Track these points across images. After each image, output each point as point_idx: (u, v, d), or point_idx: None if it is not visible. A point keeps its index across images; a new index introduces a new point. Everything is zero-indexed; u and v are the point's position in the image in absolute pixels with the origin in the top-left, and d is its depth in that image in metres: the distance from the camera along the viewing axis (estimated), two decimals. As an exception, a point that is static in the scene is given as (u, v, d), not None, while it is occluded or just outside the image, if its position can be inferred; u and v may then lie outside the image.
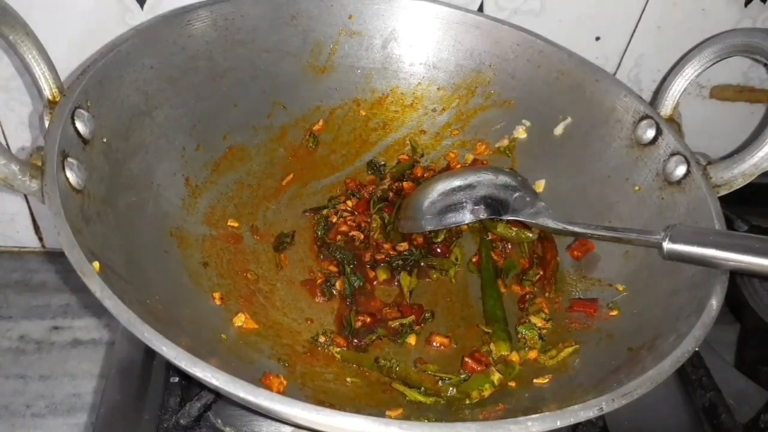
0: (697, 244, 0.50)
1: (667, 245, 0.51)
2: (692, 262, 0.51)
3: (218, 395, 0.54)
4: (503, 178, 0.63)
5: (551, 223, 0.60)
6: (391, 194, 0.69)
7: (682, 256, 0.51)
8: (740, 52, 0.61)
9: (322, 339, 0.56)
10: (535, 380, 0.52)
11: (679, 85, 0.64)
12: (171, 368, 0.57)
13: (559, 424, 0.38)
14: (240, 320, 0.54)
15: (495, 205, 0.62)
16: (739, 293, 0.75)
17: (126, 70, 0.55)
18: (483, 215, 0.62)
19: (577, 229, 0.59)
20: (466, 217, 0.62)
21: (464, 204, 0.62)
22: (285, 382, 0.48)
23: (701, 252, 0.50)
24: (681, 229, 0.52)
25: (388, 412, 0.48)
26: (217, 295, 0.55)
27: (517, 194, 0.62)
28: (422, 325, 0.59)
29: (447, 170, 0.71)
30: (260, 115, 0.68)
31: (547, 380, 0.51)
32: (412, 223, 0.64)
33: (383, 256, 0.64)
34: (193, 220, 0.60)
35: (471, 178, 0.63)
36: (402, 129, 0.74)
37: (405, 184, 0.70)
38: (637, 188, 0.62)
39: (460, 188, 0.63)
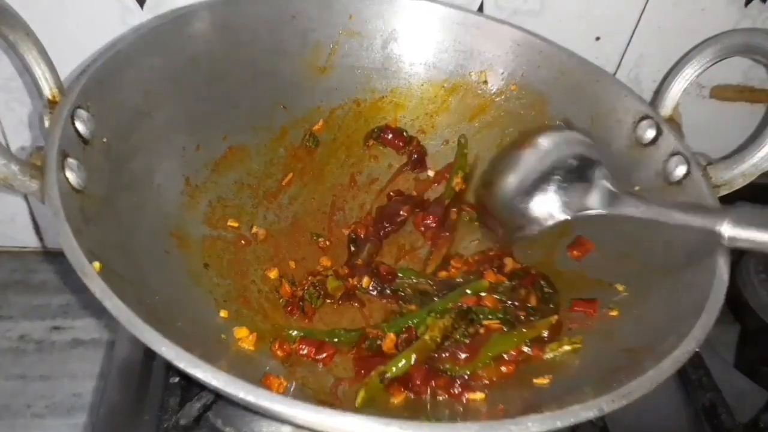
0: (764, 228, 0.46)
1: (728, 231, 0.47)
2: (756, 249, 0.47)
3: (218, 395, 0.54)
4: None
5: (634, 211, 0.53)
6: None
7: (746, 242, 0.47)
8: (740, 52, 0.61)
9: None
10: (535, 380, 0.52)
11: (679, 85, 0.64)
12: (171, 368, 0.57)
13: (559, 424, 0.38)
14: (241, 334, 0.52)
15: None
16: (739, 293, 0.75)
17: (126, 70, 0.55)
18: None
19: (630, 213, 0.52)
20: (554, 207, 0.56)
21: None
22: (285, 383, 0.48)
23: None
24: (743, 211, 0.47)
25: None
26: (224, 313, 0.54)
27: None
28: None
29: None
30: (260, 115, 0.67)
31: (547, 380, 0.51)
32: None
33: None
34: (193, 220, 0.60)
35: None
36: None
37: None
38: (637, 188, 0.62)
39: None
